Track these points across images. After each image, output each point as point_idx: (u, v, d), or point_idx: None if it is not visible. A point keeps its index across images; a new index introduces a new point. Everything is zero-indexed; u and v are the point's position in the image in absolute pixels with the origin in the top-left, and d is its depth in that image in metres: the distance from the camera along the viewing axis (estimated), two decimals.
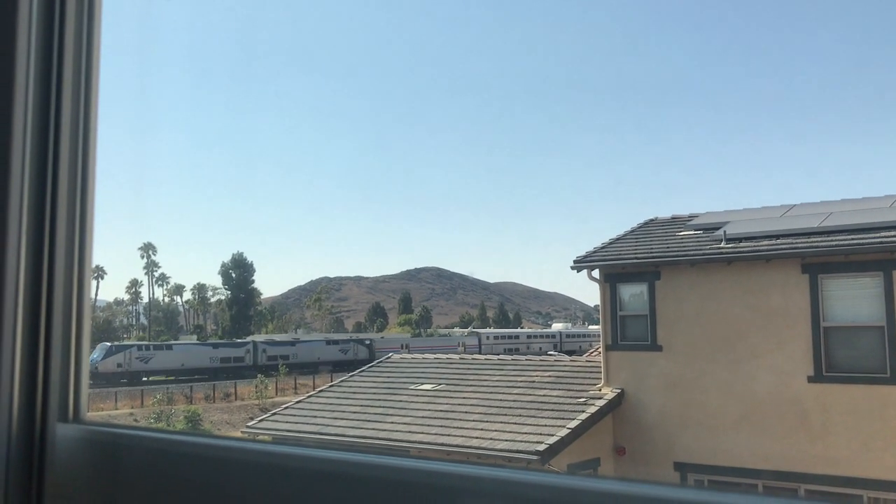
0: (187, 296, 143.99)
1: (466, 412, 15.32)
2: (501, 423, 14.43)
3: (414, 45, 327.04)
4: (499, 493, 0.96)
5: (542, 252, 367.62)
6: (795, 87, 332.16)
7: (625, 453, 15.17)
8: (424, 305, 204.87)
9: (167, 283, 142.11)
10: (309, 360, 70.15)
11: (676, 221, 17.67)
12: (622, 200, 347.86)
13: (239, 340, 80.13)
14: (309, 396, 19.32)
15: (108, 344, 63.35)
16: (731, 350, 14.31)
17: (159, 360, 62.24)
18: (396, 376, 18.98)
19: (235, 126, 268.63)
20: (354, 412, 16.58)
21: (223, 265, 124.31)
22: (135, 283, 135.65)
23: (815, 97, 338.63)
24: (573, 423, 13.85)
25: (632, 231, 17.66)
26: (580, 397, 15.27)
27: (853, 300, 13.63)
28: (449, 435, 14.25)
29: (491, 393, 16.32)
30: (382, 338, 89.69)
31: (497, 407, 15.35)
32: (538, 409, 14.86)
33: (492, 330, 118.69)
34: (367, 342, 79.70)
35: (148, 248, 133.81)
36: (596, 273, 15.96)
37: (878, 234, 13.27)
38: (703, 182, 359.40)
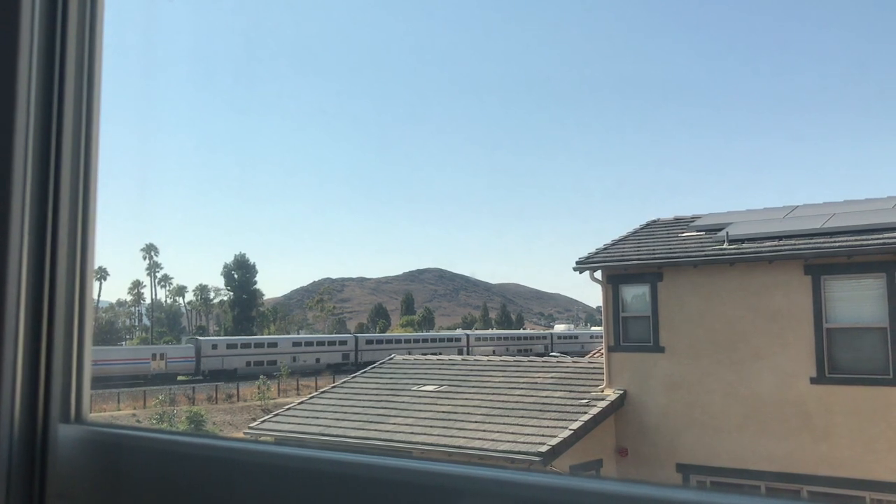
0: (189, 297, 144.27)
1: (469, 413, 15.32)
2: (504, 424, 14.42)
3: (416, 46, 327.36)
4: (501, 494, 0.96)
5: (544, 253, 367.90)
6: (798, 86, 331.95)
7: (627, 455, 15.16)
8: (427, 307, 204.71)
9: (170, 284, 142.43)
10: None
11: (679, 223, 17.67)
12: (624, 201, 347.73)
13: None
14: (311, 397, 19.33)
15: None
16: (734, 351, 14.30)
17: None
18: (399, 377, 18.98)
19: (238, 127, 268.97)
20: (357, 413, 16.58)
21: (225, 266, 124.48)
22: (137, 285, 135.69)
23: (818, 97, 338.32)
24: (575, 425, 13.84)
25: (634, 232, 17.65)
26: (582, 398, 15.26)
27: (856, 301, 13.62)
28: (451, 436, 14.24)
29: (493, 394, 16.32)
30: None
31: (499, 408, 15.35)
32: (540, 411, 14.86)
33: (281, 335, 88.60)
34: None
35: (150, 249, 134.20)
36: (598, 274, 15.95)
37: (880, 236, 13.26)
38: (705, 183, 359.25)
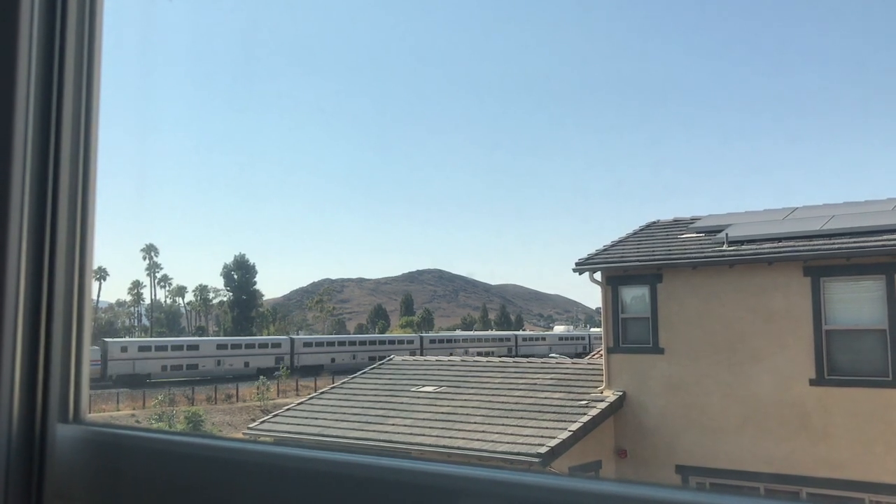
0: (189, 297, 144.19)
1: (468, 414, 15.32)
2: (503, 425, 14.42)
3: (415, 45, 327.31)
4: (499, 495, 0.96)
5: (543, 254, 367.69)
6: (797, 87, 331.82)
7: (626, 456, 15.16)
8: (426, 307, 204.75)
9: (169, 284, 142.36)
10: None
11: (678, 224, 17.68)
12: (624, 202, 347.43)
13: None
14: (311, 398, 19.33)
15: None
16: (733, 353, 14.30)
17: None
18: (398, 378, 18.98)
19: (237, 126, 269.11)
20: (356, 414, 16.58)
21: (225, 266, 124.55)
22: (137, 285, 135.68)
23: (818, 98, 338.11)
24: (574, 426, 13.84)
25: (634, 234, 17.66)
26: (582, 400, 15.26)
27: (855, 303, 13.62)
28: (450, 437, 14.24)
29: (492, 395, 16.32)
30: None
31: (498, 409, 15.35)
32: (539, 412, 14.86)
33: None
34: None
35: (150, 250, 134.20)
36: (598, 275, 15.96)
37: (880, 238, 13.27)
38: (705, 184, 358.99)
